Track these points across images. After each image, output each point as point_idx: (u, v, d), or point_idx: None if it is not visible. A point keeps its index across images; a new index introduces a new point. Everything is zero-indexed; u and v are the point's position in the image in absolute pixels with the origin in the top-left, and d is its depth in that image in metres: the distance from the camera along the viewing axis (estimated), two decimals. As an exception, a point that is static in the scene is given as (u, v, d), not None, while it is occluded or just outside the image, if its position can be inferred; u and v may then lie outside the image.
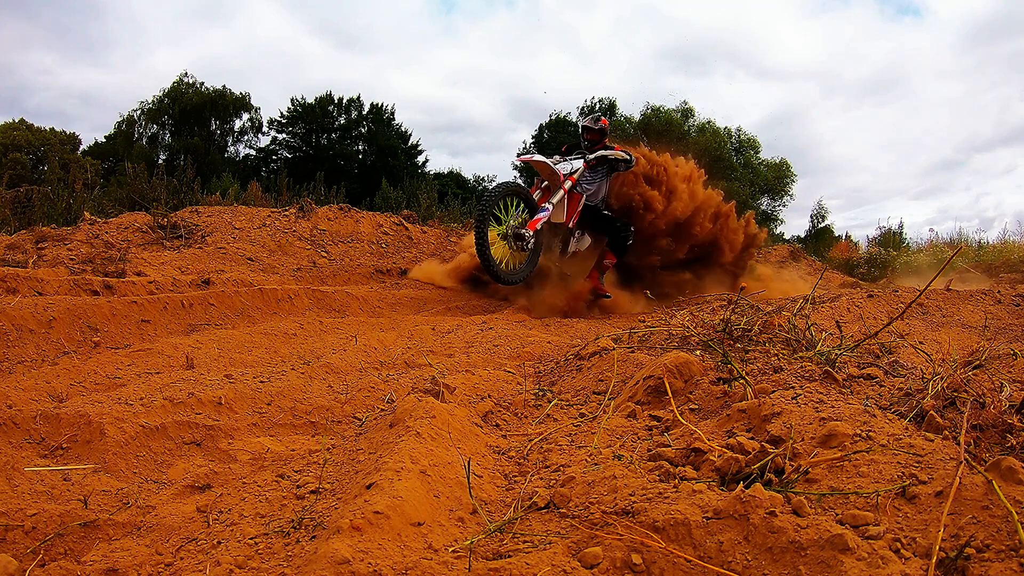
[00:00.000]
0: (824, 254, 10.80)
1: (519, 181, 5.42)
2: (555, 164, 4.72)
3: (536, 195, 4.70)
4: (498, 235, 4.34)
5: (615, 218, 5.07)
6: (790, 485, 1.01)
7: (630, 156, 5.00)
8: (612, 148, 5.08)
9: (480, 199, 4.01)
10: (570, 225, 4.86)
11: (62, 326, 2.62)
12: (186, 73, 27.04)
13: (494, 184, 4.57)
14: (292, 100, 25.41)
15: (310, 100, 24.03)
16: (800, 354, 1.76)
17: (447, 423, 1.36)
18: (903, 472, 1.00)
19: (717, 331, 2.04)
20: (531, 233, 4.37)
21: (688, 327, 2.16)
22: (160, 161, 20.00)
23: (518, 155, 4.38)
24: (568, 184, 4.68)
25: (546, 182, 4.77)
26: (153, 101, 23.63)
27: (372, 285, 4.83)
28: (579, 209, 4.87)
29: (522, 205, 4.50)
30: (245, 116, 24.81)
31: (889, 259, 8.46)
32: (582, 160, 4.87)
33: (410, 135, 24.62)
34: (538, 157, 4.62)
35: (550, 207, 4.51)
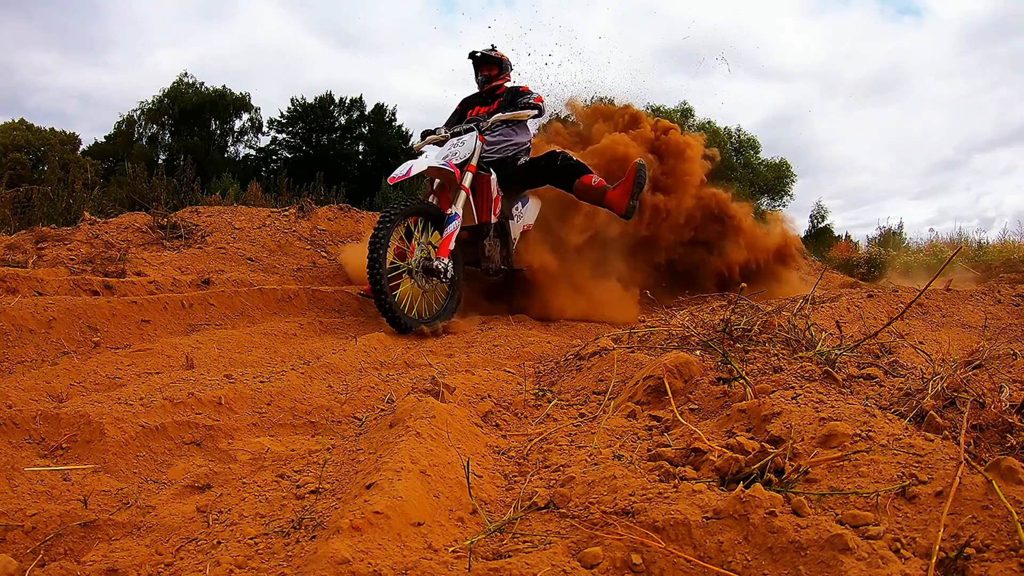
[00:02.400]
0: (824, 254, 10.79)
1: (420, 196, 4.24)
2: (441, 159, 3.75)
3: (434, 200, 3.82)
4: (404, 272, 3.48)
5: (554, 154, 4.02)
6: (790, 485, 1.01)
7: (540, 105, 4.05)
8: (519, 89, 4.19)
9: (374, 232, 3.31)
10: (494, 218, 3.99)
11: (62, 326, 2.62)
12: (186, 73, 27.05)
13: (388, 208, 3.58)
14: (292, 100, 25.38)
15: (310, 100, 24.03)
16: (800, 354, 1.76)
17: (447, 423, 1.36)
18: (903, 472, 1.00)
19: (717, 331, 2.04)
20: (445, 262, 3.47)
21: (688, 327, 2.16)
22: (160, 161, 19.98)
23: (391, 178, 3.82)
24: (468, 178, 3.74)
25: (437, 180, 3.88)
26: (153, 101, 23.62)
27: (372, 285, 4.82)
28: (495, 194, 3.95)
29: (430, 225, 3.64)
30: (245, 116, 24.79)
31: (889, 259, 8.46)
32: (474, 134, 3.84)
33: (411, 135, 24.63)
34: (415, 167, 3.58)
35: (458, 213, 3.62)
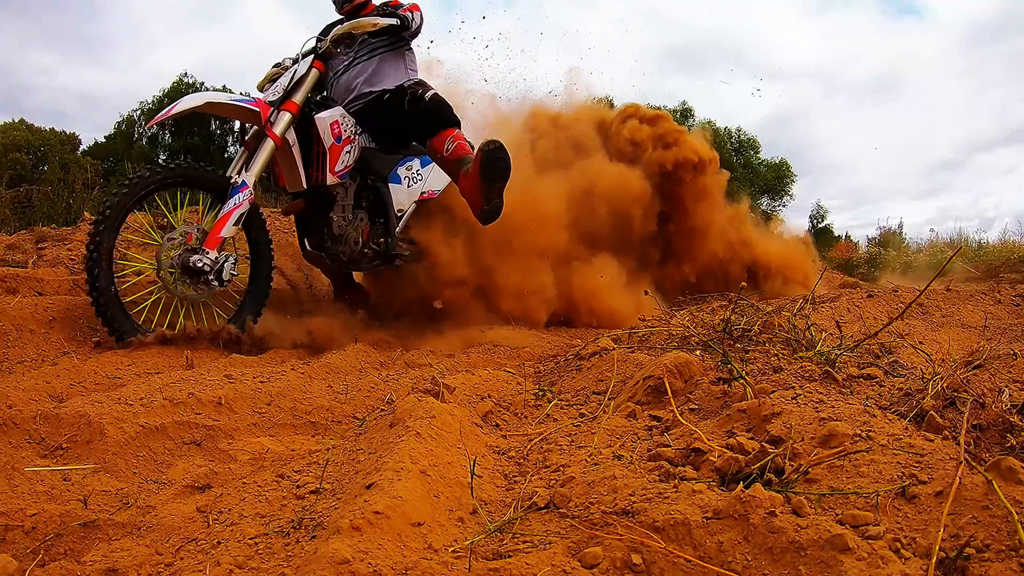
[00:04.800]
0: (824, 254, 10.80)
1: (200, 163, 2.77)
2: (267, 91, 2.75)
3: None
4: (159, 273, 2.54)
5: (403, 90, 2.92)
6: (790, 485, 1.01)
7: (405, 16, 2.90)
8: (388, 3, 3.03)
9: (98, 213, 2.44)
10: (333, 178, 2.80)
11: (62, 326, 2.62)
12: (186, 73, 26.99)
13: (129, 177, 2.55)
14: (292, 100, 25.32)
15: (310, 100, 23.97)
16: (800, 354, 1.76)
17: (447, 423, 1.36)
18: (903, 472, 1.00)
19: (717, 331, 2.04)
20: (212, 256, 2.50)
21: (688, 327, 2.16)
22: (160, 161, 19.95)
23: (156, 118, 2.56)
24: (283, 121, 2.64)
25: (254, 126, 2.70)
26: (153, 101, 23.60)
27: (372, 285, 4.82)
28: (331, 143, 2.78)
29: (210, 199, 2.65)
30: (245, 116, 24.76)
31: (888, 259, 8.46)
32: (308, 60, 2.81)
33: (410, 135, 24.58)
34: (183, 103, 2.51)
35: (247, 182, 2.57)
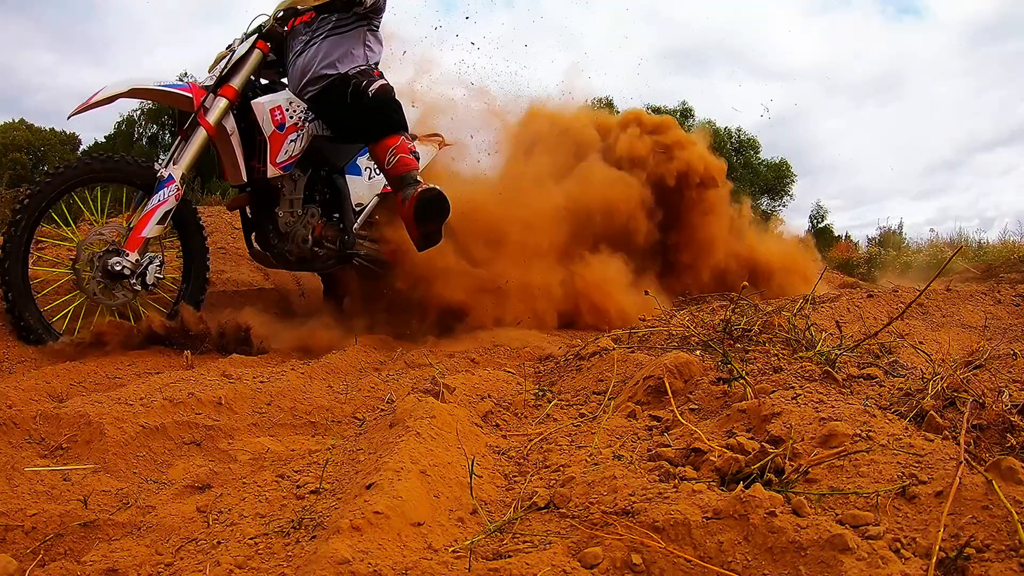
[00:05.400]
0: (824, 254, 10.80)
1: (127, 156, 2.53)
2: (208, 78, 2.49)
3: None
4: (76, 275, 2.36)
5: (347, 79, 2.62)
6: (790, 485, 1.01)
7: None
8: None
9: (12, 213, 2.29)
10: (274, 170, 2.55)
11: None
12: (186, 73, 27.00)
13: (53, 169, 2.40)
14: (292, 100, 25.31)
15: (310, 100, 23.96)
16: (800, 354, 1.76)
17: (447, 423, 1.36)
18: (903, 472, 1.00)
19: (717, 331, 2.04)
20: (132, 258, 2.32)
21: (688, 327, 2.16)
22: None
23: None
24: (220, 106, 2.42)
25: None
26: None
27: (372, 285, 4.81)
28: (272, 131, 2.50)
29: (139, 195, 2.46)
30: (245, 116, 24.77)
31: (888, 259, 8.46)
32: (251, 40, 2.57)
33: (410, 135, 24.57)
34: (106, 90, 2.35)
35: (173, 175, 2.39)
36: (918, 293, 3.17)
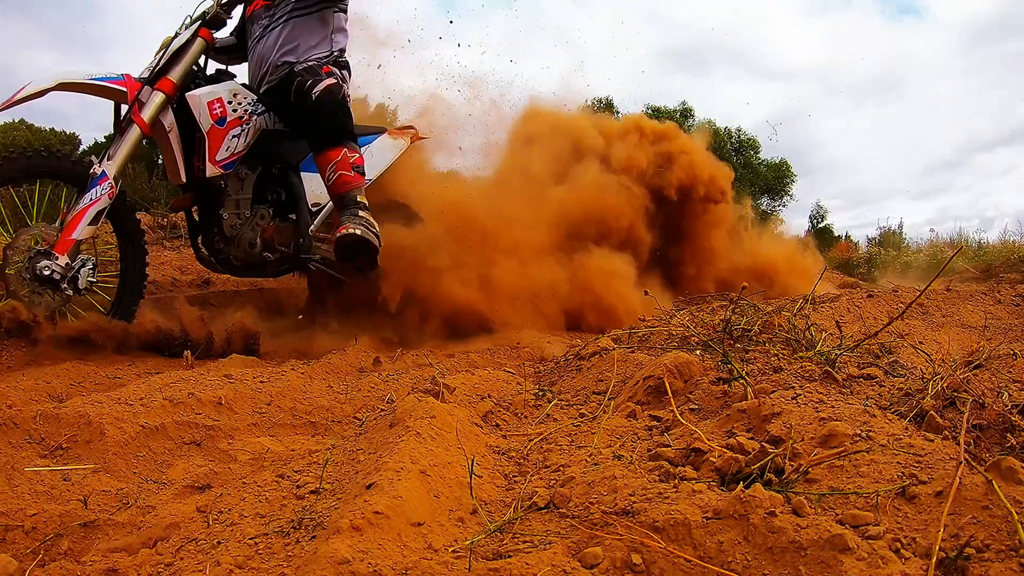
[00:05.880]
0: (824, 254, 10.80)
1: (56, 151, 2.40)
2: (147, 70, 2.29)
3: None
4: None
5: (293, 76, 2.41)
6: (790, 485, 1.01)
7: None
8: None
9: None
10: (214, 169, 2.36)
11: None
12: (186, 73, 26.97)
13: None
14: (292, 100, 25.28)
15: (310, 100, 23.92)
16: (800, 354, 1.76)
17: (447, 423, 1.36)
18: (903, 472, 1.00)
19: (717, 331, 2.04)
20: (63, 262, 2.18)
21: (688, 327, 2.16)
22: (160, 161, 19.93)
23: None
24: (157, 100, 2.27)
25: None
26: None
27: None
28: (244, 118, 2.36)
29: (75, 193, 2.29)
30: (245, 116, 24.71)
31: (888, 259, 8.46)
32: (193, 28, 2.45)
33: (410, 135, 24.55)
34: (33, 85, 2.18)
35: (107, 172, 2.23)
36: (918, 293, 3.17)
